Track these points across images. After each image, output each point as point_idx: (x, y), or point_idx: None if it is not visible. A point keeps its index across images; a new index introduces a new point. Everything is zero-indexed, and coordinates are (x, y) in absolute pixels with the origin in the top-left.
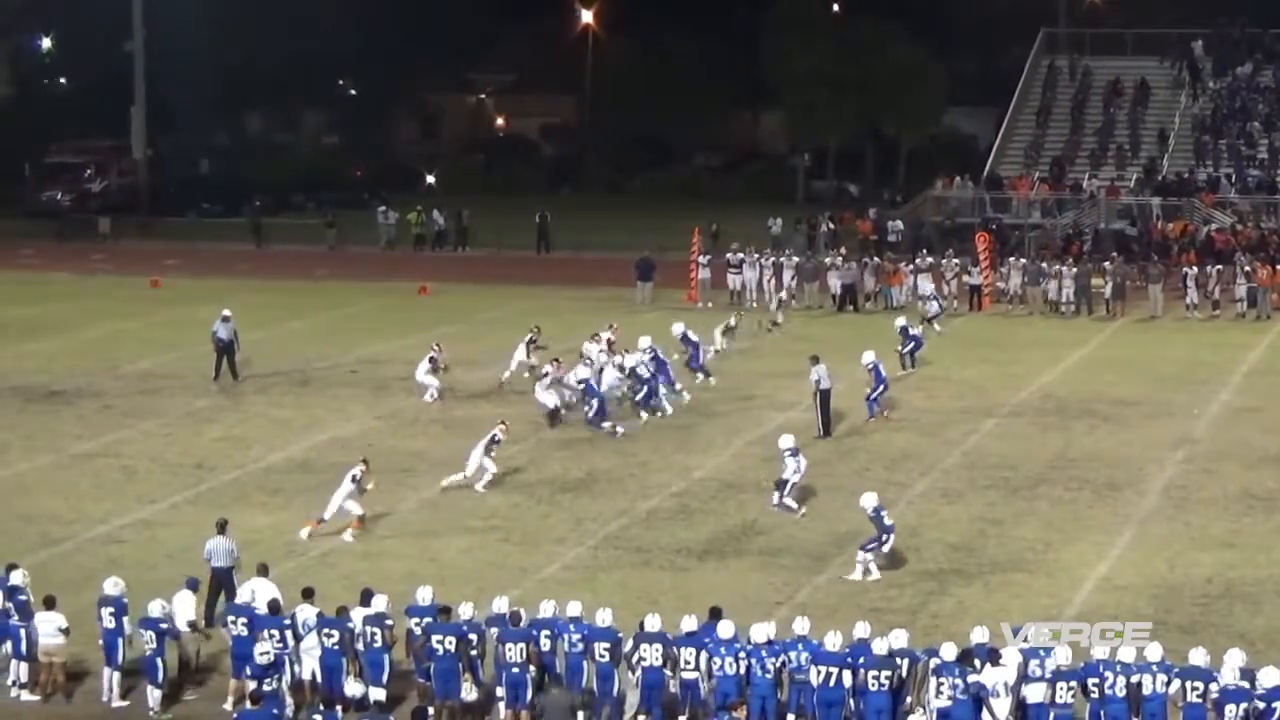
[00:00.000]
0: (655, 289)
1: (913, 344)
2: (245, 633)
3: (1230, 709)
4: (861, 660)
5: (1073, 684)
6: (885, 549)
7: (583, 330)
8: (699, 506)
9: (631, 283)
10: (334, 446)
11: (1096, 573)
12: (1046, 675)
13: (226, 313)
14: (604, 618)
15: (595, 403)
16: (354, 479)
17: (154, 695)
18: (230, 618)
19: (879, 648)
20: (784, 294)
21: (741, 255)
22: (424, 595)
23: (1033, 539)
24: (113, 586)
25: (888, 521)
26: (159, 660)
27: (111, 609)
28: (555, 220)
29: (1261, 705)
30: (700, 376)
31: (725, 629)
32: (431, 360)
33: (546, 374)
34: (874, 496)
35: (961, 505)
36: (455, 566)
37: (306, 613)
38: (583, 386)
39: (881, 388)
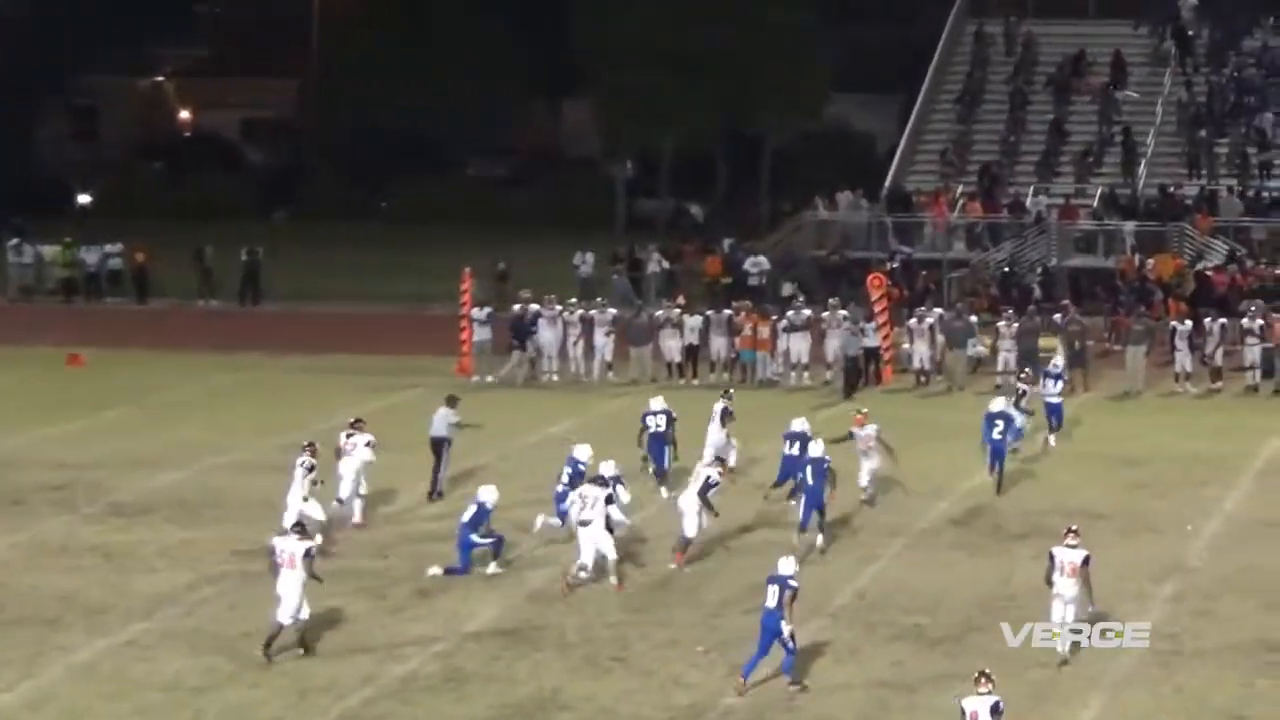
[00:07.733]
0: (411, 358)
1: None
2: None
3: None
4: None
5: None
6: None
7: (318, 419)
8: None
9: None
10: None
11: None
12: None
13: None
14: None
15: None
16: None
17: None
18: None
19: None
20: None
21: (536, 307)
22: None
23: (957, 714)
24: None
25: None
26: None
27: None
28: (268, 258)
29: None
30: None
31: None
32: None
33: None
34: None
35: (855, 665)
36: None
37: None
38: None
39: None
